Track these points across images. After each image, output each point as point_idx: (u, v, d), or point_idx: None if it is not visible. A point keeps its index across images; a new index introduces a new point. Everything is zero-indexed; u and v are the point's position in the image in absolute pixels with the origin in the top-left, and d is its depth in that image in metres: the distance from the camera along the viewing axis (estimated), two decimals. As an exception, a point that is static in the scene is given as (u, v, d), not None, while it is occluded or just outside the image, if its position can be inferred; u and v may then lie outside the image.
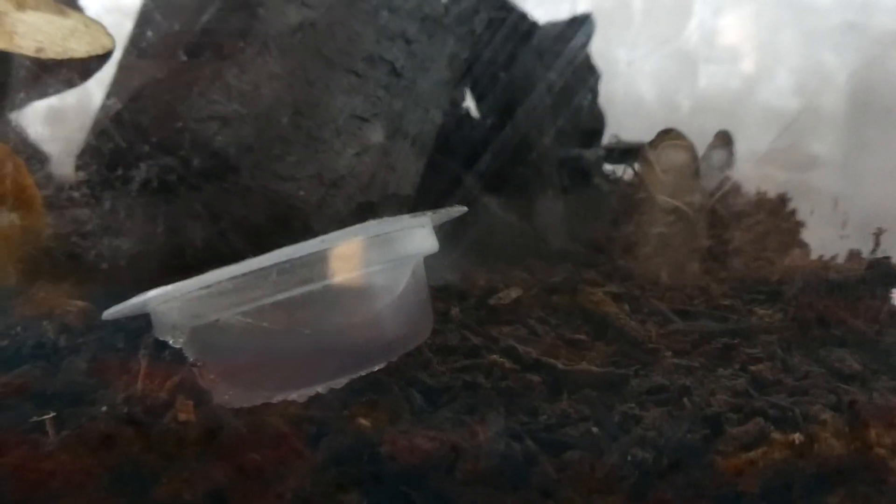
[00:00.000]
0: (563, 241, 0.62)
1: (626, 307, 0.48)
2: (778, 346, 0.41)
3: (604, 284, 0.52)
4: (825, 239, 0.66)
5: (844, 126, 0.86)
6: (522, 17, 0.76)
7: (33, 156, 0.61)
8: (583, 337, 0.43)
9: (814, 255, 0.58)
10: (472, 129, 0.66)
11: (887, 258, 0.42)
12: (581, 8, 0.96)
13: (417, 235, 0.36)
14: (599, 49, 1.01)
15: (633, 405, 0.36)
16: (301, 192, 0.48)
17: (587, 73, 0.81)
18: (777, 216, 0.63)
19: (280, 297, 0.32)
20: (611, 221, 0.64)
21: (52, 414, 0.32)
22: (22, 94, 0.49)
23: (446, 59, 0.61)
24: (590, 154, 0.68)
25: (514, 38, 0.73)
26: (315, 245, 0.32)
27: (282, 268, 0.31)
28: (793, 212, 0.64)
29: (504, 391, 0.37)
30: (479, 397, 0.37)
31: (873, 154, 0.84)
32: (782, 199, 0.65)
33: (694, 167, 0.59)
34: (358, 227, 0.35)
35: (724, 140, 0.63)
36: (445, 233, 0.57)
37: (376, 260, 0.34)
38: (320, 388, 0.35)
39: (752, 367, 0.38)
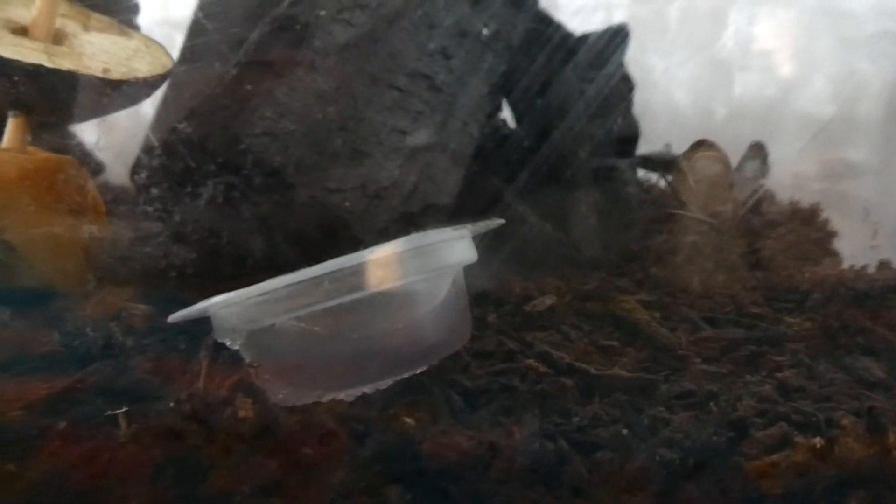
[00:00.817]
0: (596, 250, 0.64)
1: (657, 314, 0.50)
2: (805, 354, 0.42)
3: (635, 292, 0.54)
4: (858, 248, 0.67)
5: (880, 134, 0.86)
6: (559, 29, 0.78)
7: (92, 166, 0.65)
8: (614, 343, 0.45)
9: (845, 265, 0.58)
10: (508, 141, 0.69)
11: (916, 269, 0.43)
12: (616, 17, 0.98)
13: (457, 246, 0.39)
14: (635, 57, 1.03)
15: (662, 409, 0.37)
16: (346, 204, 0.50)
17: (622, 84, 0.82)
18: (809, 226, 0.64)
19: (330, 303, 0.34)
20: (643, 230, 0.65)
21: (125, 409, 0.35)
22: (88, 111, 0.52)
23: (484, 73, 0.63)
24: (623, 163, 0.69)
25: (551, 51, 0.75)
26: (363, 256, 0.35)
27: (333, 277, 0.34)
28: (825, 221, 0.65)
29: (538, 394, 0.39)
30: (514, 399, 0.39)
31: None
32: (815, 209, 0.66)
33: (727, 178, 0.61)
34: (402, 239, 0.37)
35: (757, 151, 0.64)
36: (484, 242, 0.60)
37: (419, 270, 0.36)
38: (366, 389, 0.38)
39: (779, 374, 0.40)
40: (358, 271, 0.34)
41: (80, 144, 0.69)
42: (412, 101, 0.57)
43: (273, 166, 0.49)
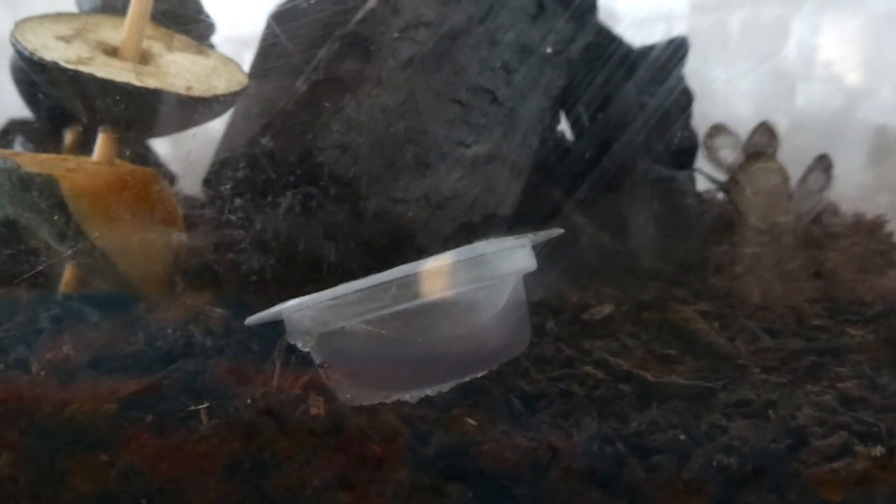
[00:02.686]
0: (654, 260, 0.64)
1: (716, 324, 0.50)
2: (867, 366, 0.42)
3: (694, 302, 0.54)
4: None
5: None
6: (618, 42, 0.79)
7: (167, 176, 0.69)
8: (672, 352, 0.45)
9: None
10: (567, 153, 0.70)
11: (982, 282, 0.43)
12: (677, 28, 0.98)
13: (518, 255, 0.40)
14: (695, 68, 1.03)
15: (719, 416, 0.38)
16: (410, 214, 0.52)
17: (681, 96, 0.82)
18: (874, 238, 0.63)
19: (397, 308, 0.36)
20: (702, 241, 0.66)
21: (207, 405, 0.37)
22: (172, 126, 0.56)
23: (543, 86, 0.65)
24: (682, 175, 0.70)
25: (610, 64, 0.76)
26: (429, 264, 0.36)
27: (400, 283, 0.36)
28: (889, 233, 0.64)
29: (597, 399, 0.40)
30: (573, 404, 0.40)
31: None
32: (879, 221, 0.65)
33: (785, 189, 0.60)
34: (465, 248, 0.39)
35: (822, 163, 0.64)
36: (543, 252, 0.61)
37: (481, 277, 0.38)
38: (429, 391, 0.39)
39: (840, 385, 0.40)
40: (423, 278, 0.36)
41: (154, 157, 0.74)
42: (474, 115, 0.59)
43: (343, 178, 0.51)
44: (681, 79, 0.85)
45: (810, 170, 0.66)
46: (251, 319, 0.40)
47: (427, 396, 0.39)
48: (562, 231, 0.43)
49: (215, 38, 0.70)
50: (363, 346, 0.38)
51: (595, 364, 0.43)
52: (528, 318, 0.43)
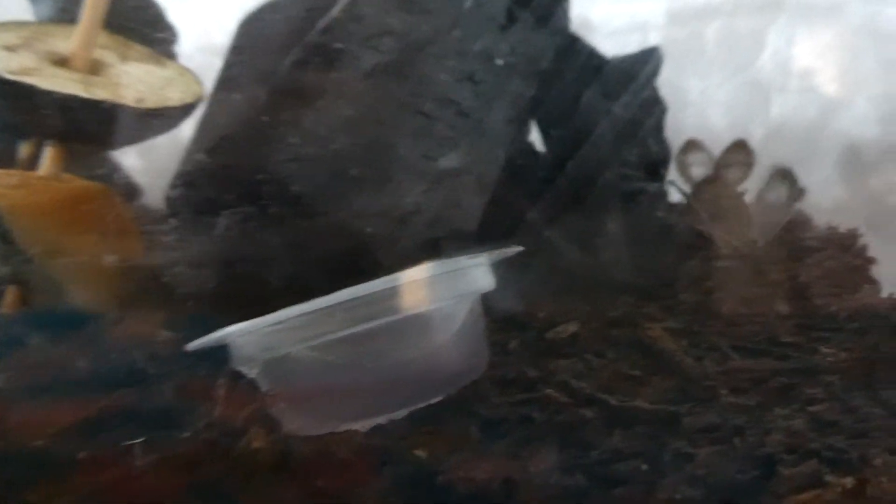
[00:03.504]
0: (624, 275, 0.62)
1: (685, 343, 0.48)
2: (839, 387, 0.41)
3: (663, 319, 0.53)
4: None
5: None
6: (591, 53, 0.78)
7: (128, 189, 0.66)
8: (638, 373, 0.44)
9: (885, 292, 0.56)
10: (536, 164, 0.68)
11: (956, 300, 0.42)
12: (653, 39, 0.97)
13: (474, 274, 0.38)
14: (671, 79, 1.02)
15: (685, 443, 0.36)
16: (369, 229, 0.51)
17: (653, 107, 0.81)
18: (847, 252, 0.61)
19: (344, 333, 0.34)
20: (673, 255, 0.64)
21: (142, 439, 0.35)
22: (123, 139, 0.53)
23: (511, 97, 0.63)
24: (654, 187, 0.68)
25: (582, 74, 0.75)
26: (377, 285, 0.34)
27: (346, 306, 0.34)
28: (864, 247, 0.62)
29: (558, 425, 0.38)
30: (534, 430, 0.38)
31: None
32: (853, 234, 0.64)
33: (742, 212, 0.59)
34: (418, 268, 0.37)
35: (782, 176, 0.62)
36: (509, 267, 0.59)
37: (435, 298, 0.36)
38: (382, 419, 0.37)
39: (811, 408, 0.38)
40: (371, 300, 0.34)
41: (117, 169, 0.71)
42: (439, 127, 0.57)
43: (298, 192, 0.49)
44: (654, 90, 0.84)
45: (769, 184, 0.65)
46: (193, 345, 0.37)
47: (379, 425, 0.37)
48: (521, 248, 0.42)
49: (186, 47, 0.68)
50: (310, 373, 0.36)
51: (558, 387, 0.42)
52: (485, 340, 0.41)
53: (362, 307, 0.34)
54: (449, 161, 0.56)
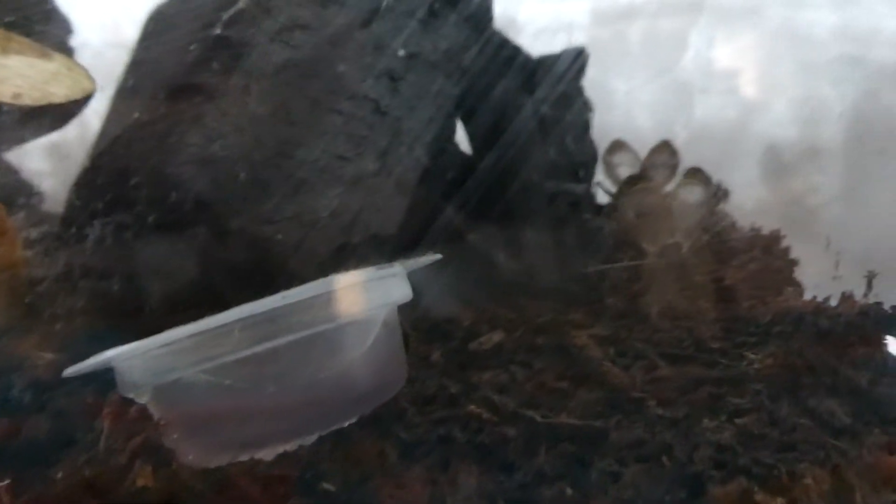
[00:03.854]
0: (552, 279, 0.61)
1: (611, 350, 0.47)
2: (766, 396, 0.40)
3: (590, 325, 0.51)
4: (821, 277, 0.65)
5: (841, 158, 0.85)
6: (515, 51, 0.76)
7: (20, 194, 0.61)
8: (564, 385, 0.42)
9: (808, 294, 0.56)
10: (460, 165, 0.66)
11: (879, 303, 0.41)
12: (577, 39, 0.96)
13: (388, 285, 0.35)
14: (596, 79, 1.01)
15: (612, 461, 0.34)
16: (279, 236, 0.47)
17: (579, 107, 0.80)
18: (771, 254, 0.61)
19: (243, 353, 0.31)
20: (601, 258, 0.63)
21: (7, 482, 0.31)
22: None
23: (433, 96, 0.60)
24: (580, 188, 0.67)
25: (507, 73, 0.73)
26: (277, 300, 0.31)
27: (245, 323, 0.30)
28: (787, 249, 0.62)
29: (479, 446, 0.36)
30: (454, 452, 0.35)
31: (870, 188, 0.83)
32: (776, 236, 0.64)
33: (666, 210, 0.58)
34: (323, 280, 0.34)
35: (697, 177, 0.62)
36: (433, 273, 0.57)
37: (346, 312, 0.33)
38: (289, 446, 0.34)
39: (739, 420, 0.37)
40: (274, 316, 0.31)
41: (14, 172, 0.65)
42: (355, 126, 0.54)
43: (202, 196, 0.46)
44: (579, 89, 0.83)
45: (682, 184, 0.65)
46: (71, 370, 0.33)
47: (286, 452, 0.34)
48: (439, 256, 0.39)
49: (95, 42, 0.63)
50: (205, 399, 0.32)
51: (480, 403, 0.39)
52: (403, 354, 0.38)
53: (263, 324, 0.31)
54: (366, 162, 0.53)
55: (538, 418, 0.37)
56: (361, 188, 0.53)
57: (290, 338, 0.31)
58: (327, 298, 0.32)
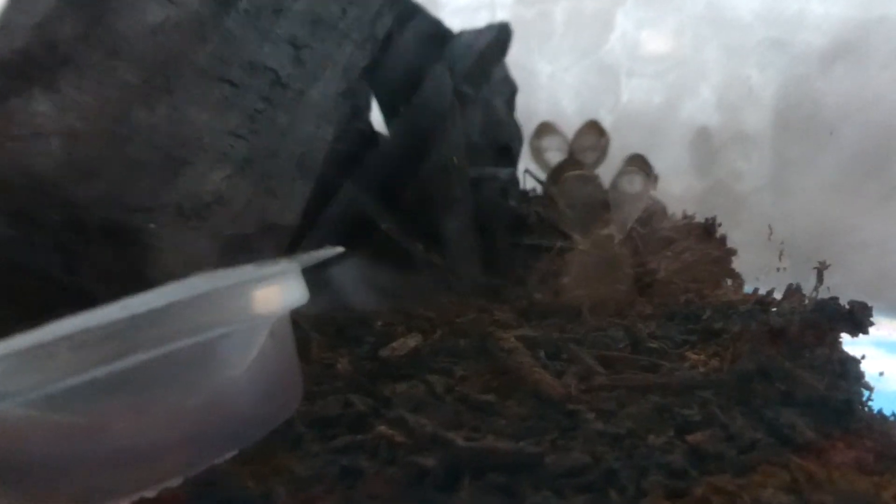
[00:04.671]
0: (475, 273, 0.55)
1: (542, 354, 0.41)
2: (717, 406, 0.35)
3: (518, 326, 0.46)
4: (750, 266, 0.62)
5: (769, 143, 0.83)
6: (434, 23, 0.70)
7: None
8: (490, 398, 0.36)
9: (747, 288, 0.53)
10: (374, 147, 0.59)
11: (835, 298, 0.37)
12: (500, 17, 0.90)
13: (277, 287, 0.29)
14: (520, 60, 0.96)
15: (548, 493, 0.29)
16: (152, 226, 0.39)
17: (502, 85, 0.75)
18: (706, 242, 0.57)
19: (75, 380, 0.23)
20: (528, 249, 0.58)
21: None
22: None
23: (342, 67, 0.53)
24: (505, 173, 0.62)
25: (425, 46, 0.67)
26: (118, 310, 0.24)
27: (75, 342, 0.23)
28: (723, 237, 0.59)
29: (389, 480, 0.29)
30: (358, 490, 0.29)
31: (797, 172, 0.82)
32: (711, 224, 0.60)
33: (601, 197, 0.53)
34: (189, 280, 0.27)
35: (636, 163, 0.57)
36: (341, 265, 0.50)
37: (220, 321, 0.26)
38: (148, 492, 0.27)
39: (689, 436, 0.32)
40: (116, 332, 0.24)
41: None
42: (249, 98, 0.46)
43: (52, 178, 0.37)
44: (504, 67, 0.77)
45: (622, 172, 0.60)
46: None
47: (143, 499, 0.27)
48: (340, 250, 0.32)
49: None
50: (26, 440, 0.25)
51: (393, 424, 0.33)
52: (297, 369, 0.32)
53: (107, 340, 0.24)
54: (262, 140, 0.46)
55: (460, 441, 0.31)
56: (256, 170, 0.45)
57: (143, 356, 0.24)
58: (195, 304, 0.25)
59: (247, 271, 0.28)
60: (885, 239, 0.79)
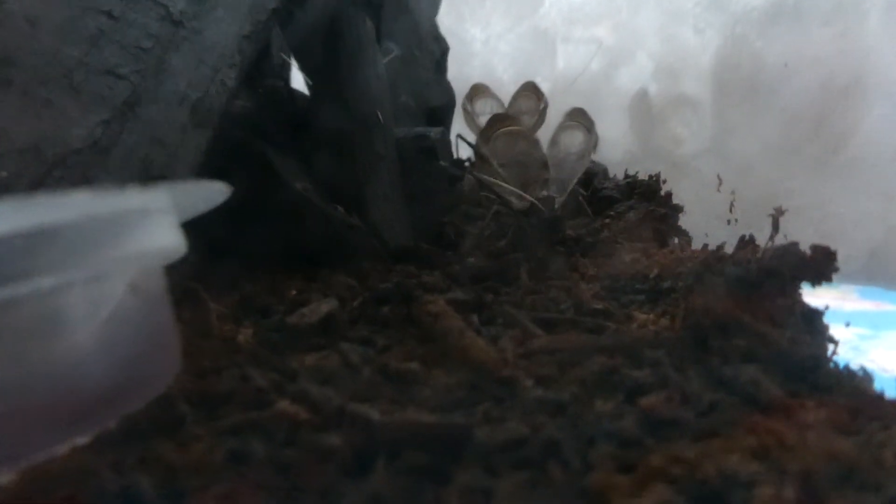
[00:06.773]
0: (402, 237, 0.50)
1: (475, 318, 0.37)
2: (670, 366, 0.31)
3: (448, 289, 0.41)
4: (696, 226, 0.58)
5: (708, 107, 0.80)
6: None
7: None
8: (414, 366, 0.31)
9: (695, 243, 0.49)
10: (285, 97, 0.53)
11: (795, 244, 0.33)
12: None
13: (139, 225, 0.23)
14: (452, 27, 0.91)
15: (479, 472, 0.24)
16: (4, 173, 0.33)
17: (432, 43, 0.70)
18: (650, 200, 0.54)
19: None
20: (459, 213, 0.53)
21: None
22: None
23: (247, 6, 0.47)
24: (435, 132, 0.56)
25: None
26: None
27: None
28: (668, 195, 0.55)
29: (286, 466, 0.24)
30: (249, 477, 0.24)
31: (738, 136, 0.79)
32: (655, 181, 0.56)
33: (537, 155, 0.49)
34: (20, 202, 0.21)
35: (576, 118, 0.53)
36: (250, 228, 0.44)
37: (46, 269, 0.20)
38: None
39: (642, 400, 0.28)
40: None
41: None
42: (133, 34, 0.40)
43: None
44: (434, 24, 0.72)
45: (562, 127, 0.56)
46: None
47: (-42, 500, 0.21)
48: (225, 189, 0.27)
49: None
50: None
51: (294, 399, 0.27)
52: (172, 332, 0.26)
53: None
54: (147, 82, 0.40)
55: (374, 416, 0.26)
56: (139, 116, 0.39)
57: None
58: (10, 244, 0.19)
59: (91, 200, 0.22)
60: (824, 202, 0.77)
